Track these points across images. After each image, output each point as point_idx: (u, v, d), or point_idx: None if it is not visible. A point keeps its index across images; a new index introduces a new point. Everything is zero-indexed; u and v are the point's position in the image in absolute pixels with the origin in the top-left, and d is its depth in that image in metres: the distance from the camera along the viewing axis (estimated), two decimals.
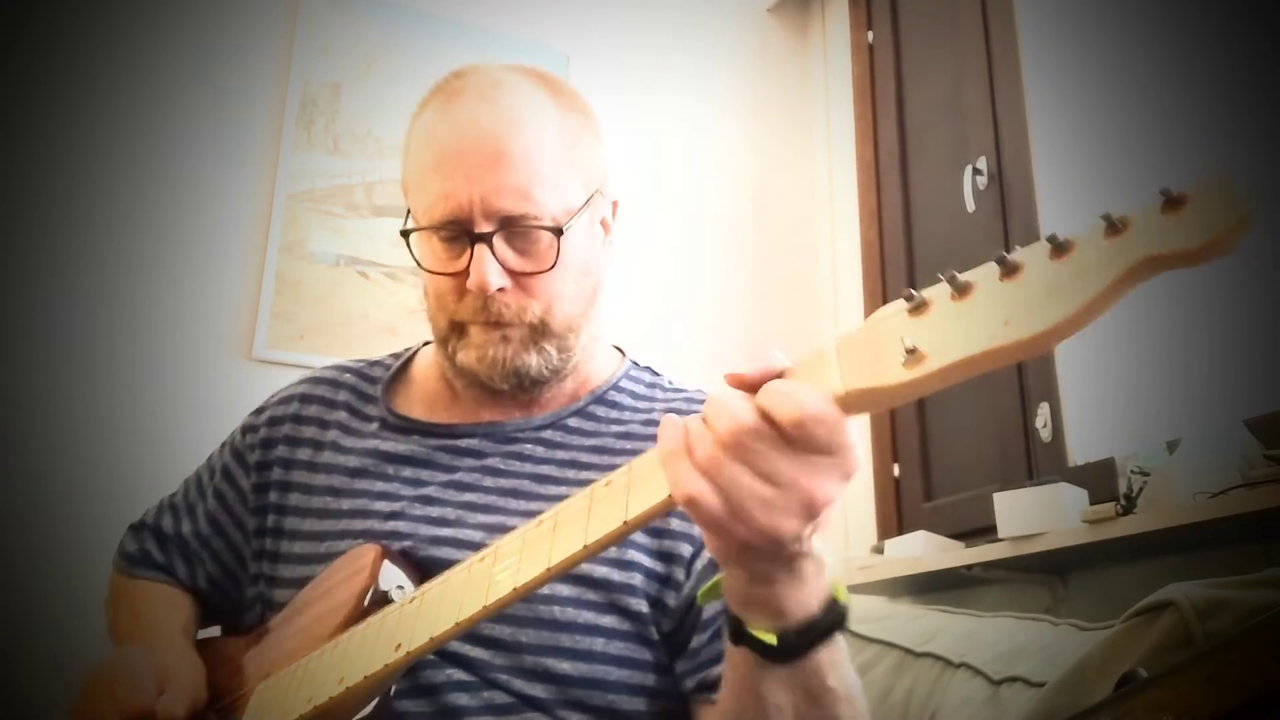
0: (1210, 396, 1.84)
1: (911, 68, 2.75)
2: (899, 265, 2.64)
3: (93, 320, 2.05)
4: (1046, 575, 1.95)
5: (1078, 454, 2.07)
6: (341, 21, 2.42)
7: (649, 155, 2.75)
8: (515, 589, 0.64)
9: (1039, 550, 1.76)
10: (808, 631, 0.61)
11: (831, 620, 0.61)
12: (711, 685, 0.81)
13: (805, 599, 0.60)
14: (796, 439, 0.53)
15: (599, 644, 0.83)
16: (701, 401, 0.95)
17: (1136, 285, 0.44)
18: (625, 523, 0.60)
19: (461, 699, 0.80)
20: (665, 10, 2.88)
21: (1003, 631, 1.20)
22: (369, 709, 0.77)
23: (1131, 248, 0.44)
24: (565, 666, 0.81)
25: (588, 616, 0.83)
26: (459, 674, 0.81)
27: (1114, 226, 0.45)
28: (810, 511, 0.54)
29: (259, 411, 1.05)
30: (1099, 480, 1.83)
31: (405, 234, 0.92)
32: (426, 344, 1.09)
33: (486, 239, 0.86)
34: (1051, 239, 0.46)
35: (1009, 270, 0.48)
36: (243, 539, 1.01)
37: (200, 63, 2.26)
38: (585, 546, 0.62)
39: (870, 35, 2.89)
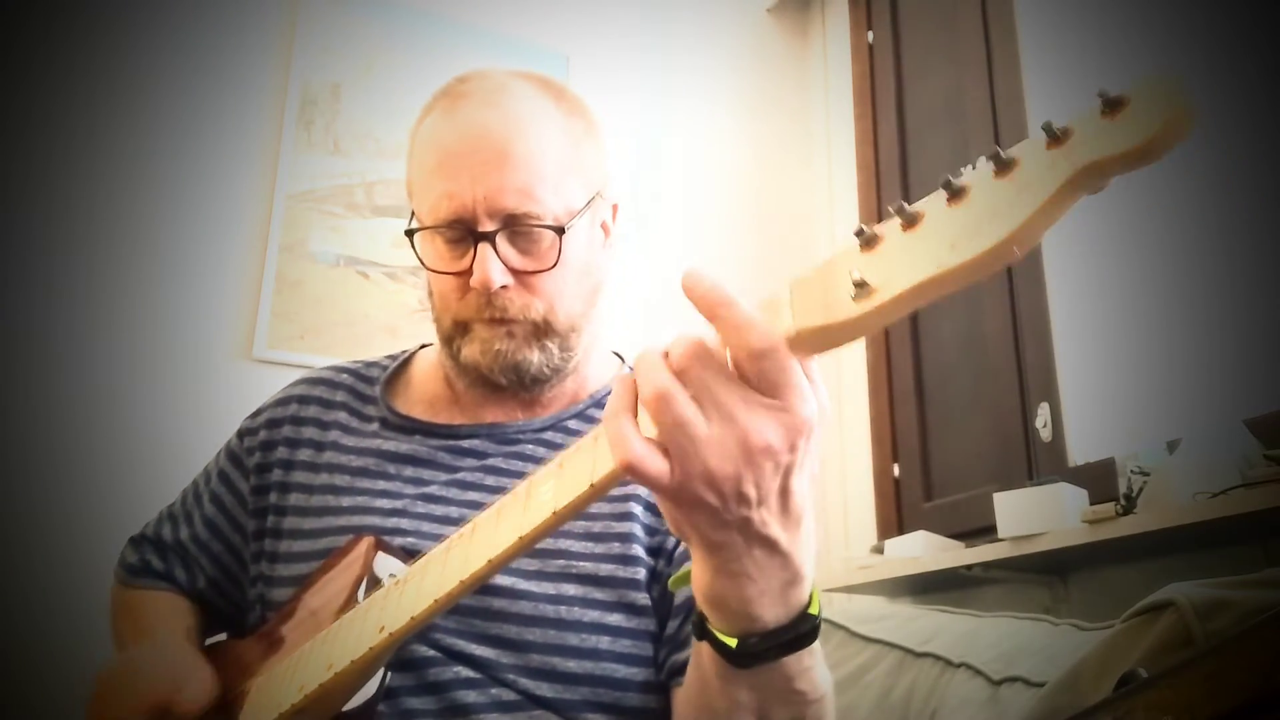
0: (1210, 396, 1.84)
1: (911, 68, 2.75)
2: None
3: (93, 320, 2.05)
4: (1046, 575, 1.95)
5: (1078, 454, 2.07)
6: (341, 21, 2.42)
7: (649, 155, 2.75)
8: (490, 561, 0.64)
9: (1039, 550, 1.76)
10: (770, 638, 0.58)
11: (799, 633, 0.58)
12: (680, 669, 0.82)
13: (774, 605, 0.57)
14: (744, 371, 0.52)
15: (605, 642, 0.83)
16: None
17: (1082, 194, 0.44)
18: (592, 485, 0.59)
19: (469, 696, 0.81)
20: (665, 11, 2.88)
21: (1003, 631, 1.20)
22: (368, 696, 0.77)
23: (1073, 155, 0.43)
24: (572, 665, 0.82)
25: (594, 615, 0.84)
26: (466, 672, 0.81)
27: (1055, 136, 0.44)
28: (747, 454, 0.51)
29: (256, 414, 1.06)
30: (1099, 480, 1.83)
31: (410, 234, 0.93)
32: (424, 347, 1.10)
33: (489, 237, 0.88)
34: (994, 156, 0.46)
35: (955, 194, 0.47)
36: (241, 541, 1.02)
37: (200, 63, 2.26)
38: (555, 513, 0.61)
39: (870, 36, 2.89)
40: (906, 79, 2.76)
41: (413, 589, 0.71)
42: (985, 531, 2.00)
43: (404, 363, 1.08)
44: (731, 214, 2.85)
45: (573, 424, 0.97)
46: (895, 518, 2.48)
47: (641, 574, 0.85)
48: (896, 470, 2.52)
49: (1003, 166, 0.46)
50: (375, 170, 2.37)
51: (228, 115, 2.26)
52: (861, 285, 0.49)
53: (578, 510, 0.61)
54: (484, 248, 0.88)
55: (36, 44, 2.11)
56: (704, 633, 0.60)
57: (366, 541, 0.83)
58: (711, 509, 0.53)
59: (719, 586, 0.57)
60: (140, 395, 2.04)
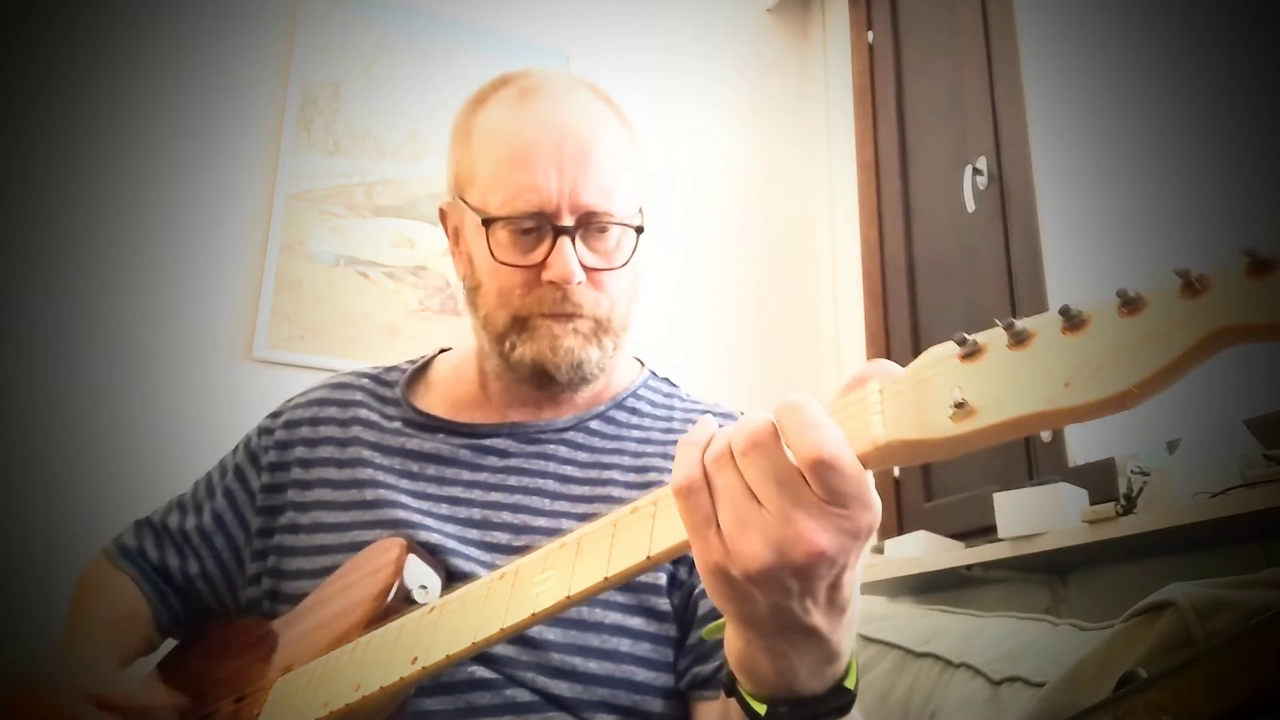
0: (1210, 396, 1.84)
1: (911, 68, 2.75)
2: (899, 265, 2.64)
3: (93, 320, 2.05)
4: (1046, 575, 1.95)
5: (1078, 454, 2.07)
6: (341, 21, 2.42)
7: (649, 155, 2.75)
8: (534, 614, 0.63)
9: (1039, 550, 1.76)
10: (801, 709, 0.56)
11: (832, 706, 0.56)
12: (703, 683, 0.81)
13: (807, 679, 0.55)
14: (809, 476, 0.49)
15: (625, 644, 0.83)
16: (719, 415, 0.96)
17: (1213, 355, 0.40)
18: (648, 557, 0.58)
19: (483, 698, 0.80)
20: (665, 10, 2.88)
21: (1003, 631, 1.20)
22: (388, 713, 0.76)
23: (1211, 312, 0.39)
24: (592, 666, 0.82)
25: (615, 617, 0.83)
26: (481, 672, 0.81)
27: (1191, 286, 0.40)
28: (786, 553, 0.49)
29: (275, 415, 1.06)
30: (1099, 480, 1.83)
31: (487, 222, 0.91)
32: (444, 351, 1.10)
33: (570, 232, 0.89)
34: (1122, 294, 0.42)
35: (1073, 323, 0.43)
36: (245, 539, 1.01)
37: (200, 63, 2.26)
38: (605, 579, 0.60)
39: (870, 35, 2.89)
40: (906, 79, 2.76)
41: (450, 624, 0.70)
42: (985, 531, 2.00)
43: (423, 366, 1.08)
44: (732, 214, 2.85)
45: (595, 424, 0.97)
46: (895, 518, 2.47)
47: (662, 578, 0.85)
48: (896, 470, 2.52)
49: (1130, 305, 0.42)
50: (375, 170, 2.37)
51: (228, 115, 2.26)
52: (962, 405, 0.46)
53: (628, 579, 0.60)
54: (564, 242, 0.88)
55: (36, 44, 2.11)
56: (733, 691, 0.59)
57: (398, 546, 0.82)
58: (746, 595, 0.52)
59: (749, 656, 0.55)
60: (140, 395, 2.04)
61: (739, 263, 2.82)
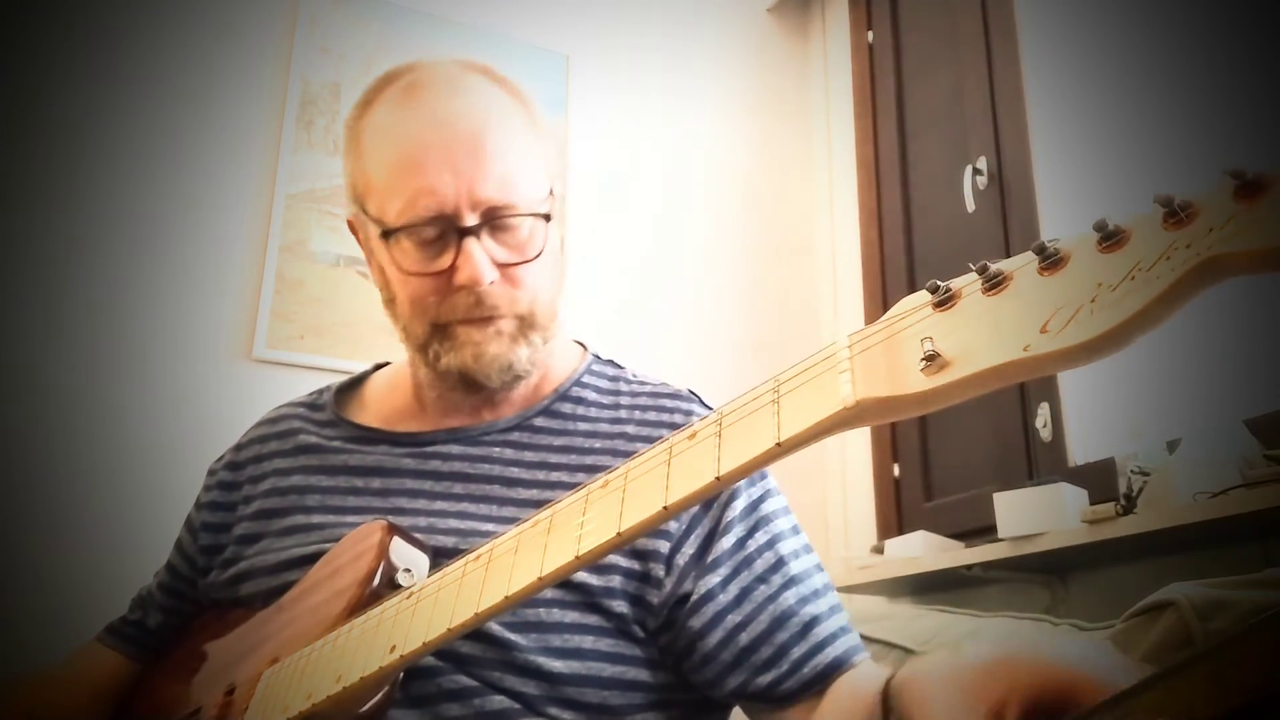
0: (1210, 396, 1.84)
1: (911, 68, 2.75)
2: (899, 265, 2.64)
3: (93, 320, 2.05)
4: (1046, 575, 1.95)
5: (1078, 454, 2.07)
6: (341, 21, 2.42)
7: (649, 155, 2.75)
8: (506, 597, 0.63)
9: (1039, 550, 1.76)
10: None
11: None
12: (760, 694, 0.80)
13: None
14: None
15: (588, 641, 0.82)
16: (665, 396, 0.94)
17: (1204, 289, 0.36)
18: (619, 534, 0.56)
19: (453, 709, 0.79)
20: (665, 10, 2.88)
21: (1003, 631, 1.20)
22: (376, 699, 0.76)
23: (1197, 243, 0.36)
24: (557, 665, 0.80)
25: (574, 616, 0.82)
26: (450, 682, 0.80)
27: (1175, 214, 0.37)
28: None
29: (219, 459, 1.05)
30: (1099, 480, 1.83)
31: (387, 234, 0.87)
32: (378, 367, 1.08)
33: (475, 231, 0.85)
34: (1100, 226, 0.39)
35: (1050, 262, 0.41)
36: (190, 571, 1.02)
37: (200, 63, 2.26)
38: (577, 557, 0.58)
39: (870, 35, 2.89)
40: (906, 79, 2.76)
41: (426, 610, 0.69)
42: (985, 531, 2.00)
43: (356, 381, 1.06)
44: (732, 213, 2.85)
45: (539, 421, 0.94)
46: (895, 518, 2.47)
47: (616, 580, 0.83)
48: (896, 470, 2.52)
49: (1110, 239, 0.39)
50: None
51: (228, 115, 2.26)
52: (933, 358, 0.43)
53: (601, 556, 0.58)
54: (470, 243, 0.84)
55: (37, 44, 2.11)
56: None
57: (380, 529, 0.81)
58: None
59: None
60: (140, 395, 2.04)
61: (739, 263, 2.81)
